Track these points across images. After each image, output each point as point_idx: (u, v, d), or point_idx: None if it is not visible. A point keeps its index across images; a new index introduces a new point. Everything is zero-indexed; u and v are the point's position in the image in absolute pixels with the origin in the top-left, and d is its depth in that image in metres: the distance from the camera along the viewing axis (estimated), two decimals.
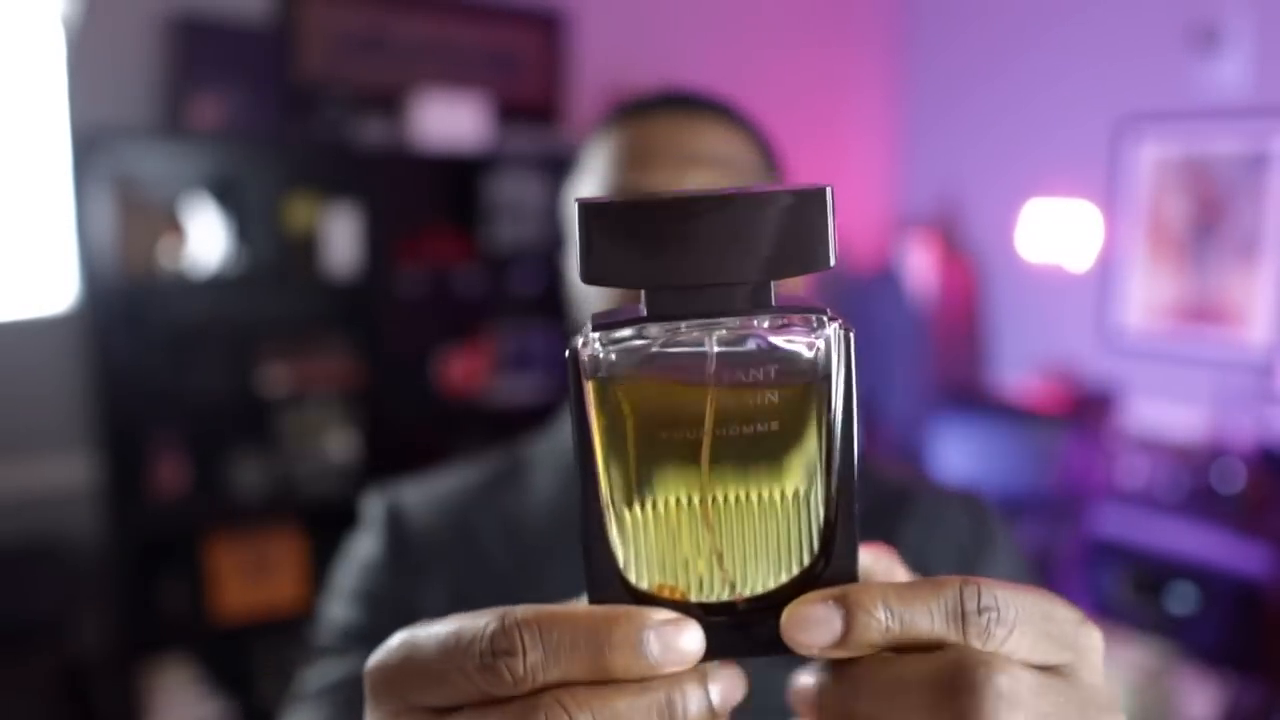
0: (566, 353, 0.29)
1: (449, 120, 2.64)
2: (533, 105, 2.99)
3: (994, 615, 0.28)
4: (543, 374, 2.88)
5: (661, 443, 0.29)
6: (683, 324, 0.29)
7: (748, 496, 0.30)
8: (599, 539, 0.30)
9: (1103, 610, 2.96)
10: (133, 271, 2.26)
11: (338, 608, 0.71)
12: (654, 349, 0.29)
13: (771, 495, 0.30)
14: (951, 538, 0.69)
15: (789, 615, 0.28)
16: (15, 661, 2.13)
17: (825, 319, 0.29)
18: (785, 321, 0.29)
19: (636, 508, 0.30)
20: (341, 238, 2.49)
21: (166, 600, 2.38)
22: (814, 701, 0.30)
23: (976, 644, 0.28)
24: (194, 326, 2.46)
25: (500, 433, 2.81)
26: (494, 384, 2.83)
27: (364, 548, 0.73)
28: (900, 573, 0.34)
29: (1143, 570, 2.90)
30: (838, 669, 0.29)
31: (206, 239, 2.37)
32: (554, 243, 2.81)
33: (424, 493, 0.75)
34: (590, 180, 0.70)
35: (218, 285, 2.43)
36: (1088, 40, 3.36)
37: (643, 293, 0.29)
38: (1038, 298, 3.57)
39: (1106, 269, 3.37)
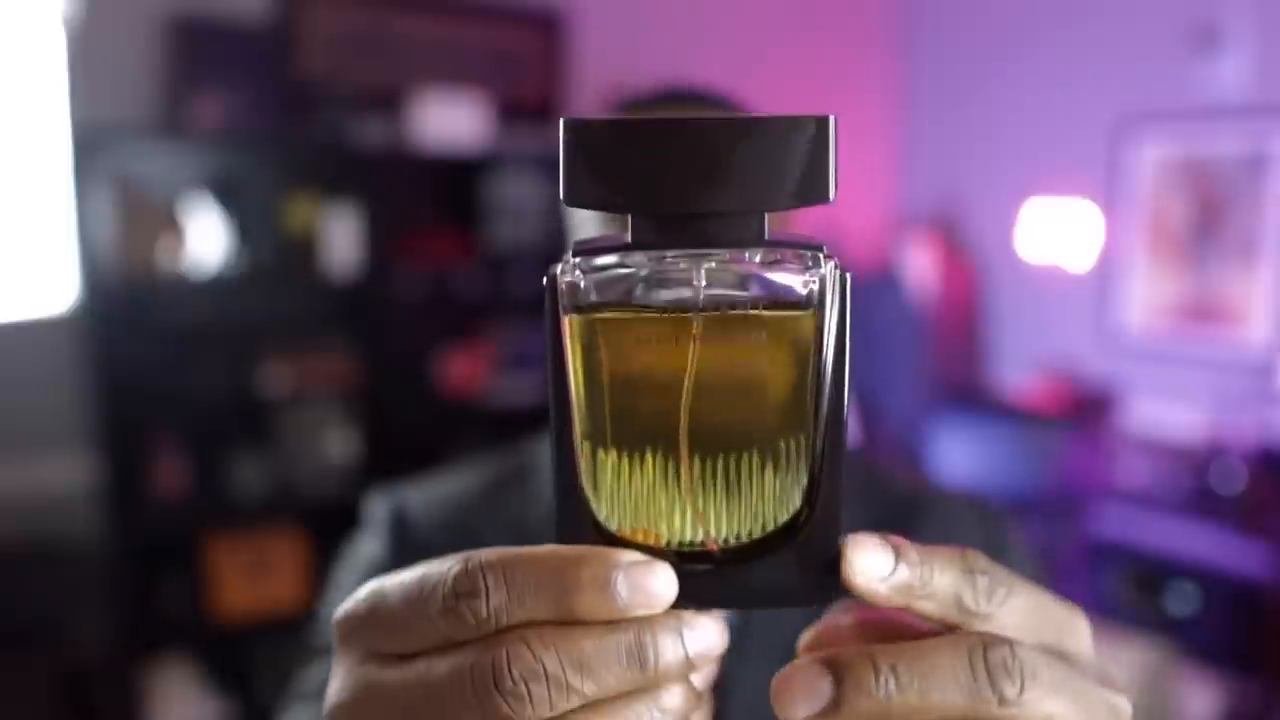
0: (544, 280, 0.27)
1: (449, 120, 2.64)
2: (533, 105, 2.99)
3: (1020, 677, 0.27)
4: (542, 374, 2.88)
5: (641, 380, 0.27)
6: (669, 254, 0.27)
7: (730, 442, 0.28)
8: (570, 479, 0.28)
9: (1103, 610, 2.95)
10: (133, 271, 2.26)
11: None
12: (637, 280, 0.27)
13: (756, 442, 0.28)
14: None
15: (775, 683, 0.26)
16: (15, 662, 2.13)
17: (821, 256, 0.27)
18: (778, 257, 0.27)
19: (612, 449, 0.28)
20: (341, 238, 2.48)
21: (166, 600, 2.38)
22: None
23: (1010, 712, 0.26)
24: (194, 326, 2.45)
25: (500, 433, 2.81)
26: (494, 384, 2.83)
27: (367, 549, 0.73)
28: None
29: (1143, 570, 2.90)
30: None
31: (206, 239, 2.37)
32: (555, 243, 2.81)
33: (427, 495, 0.75)
34: None
35: (218, 285, 2.43)
36: (1088, 40, 3.36)
37: (628, 220, 0.27)
38: (1038, 298, 3.57)
39: (1106, 269, 3.37)
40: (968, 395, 3.54)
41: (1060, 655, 0.29)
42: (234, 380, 2.47)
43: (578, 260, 0.27)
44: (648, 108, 0.71)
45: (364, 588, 0.30)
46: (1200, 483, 2.89)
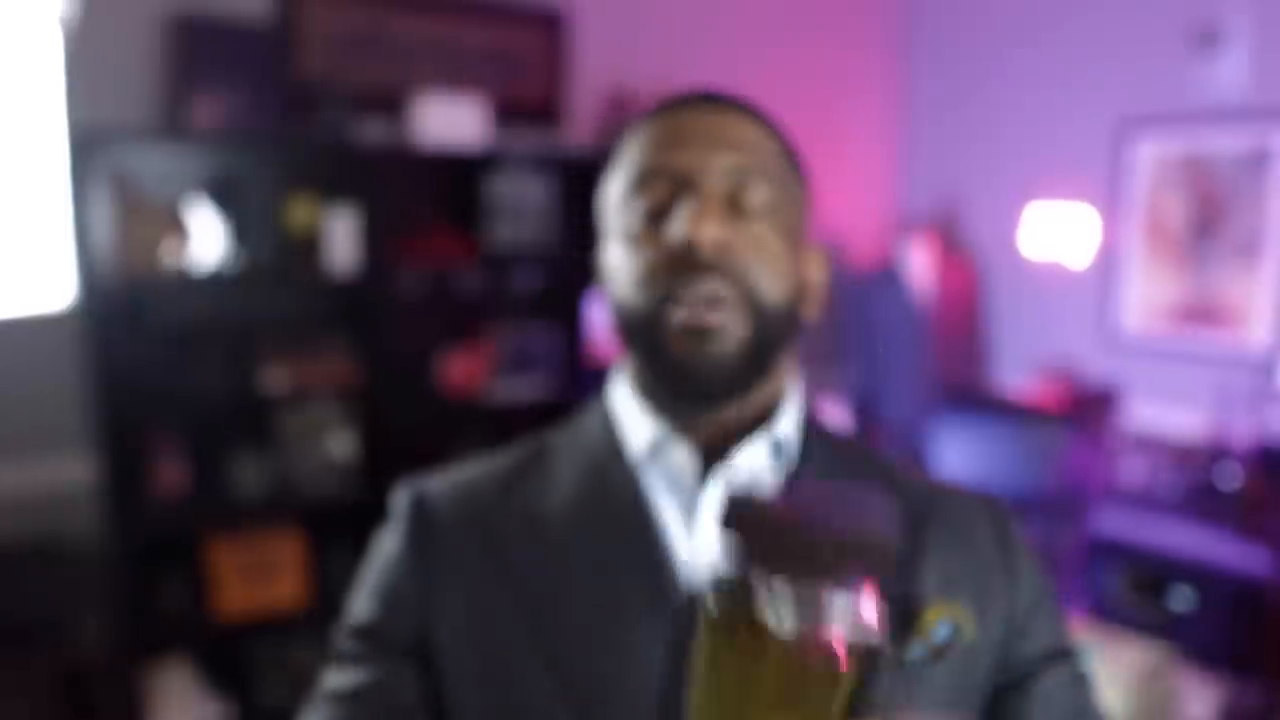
0: (710, 599, 0.44)
1: (449, 120, 2.64)
2: (533, 105, 2.99)
3: None
4: (542, 374, 2.88)
5: (741, 681, 0.43)
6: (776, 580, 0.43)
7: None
8: None
9: (1103, 610, 2.96)
10: (133, 271, 2.26)
11: (361, 602, 0.73)
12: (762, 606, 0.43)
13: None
14: (976, 548, 0.72)
15: None
16: (15, 662, 2.14)
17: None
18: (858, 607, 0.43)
19: None
20: (341, 238, 2.48)
21: (166, 600, 2.38)
22: None
23: None
24: (194, 326, 2.45)
25: (500, 433, 2.81)
26: (494, 384, 2.83)
27: (387, 544, 0.75)
28: None
29: (1143, 570, 2.90)
30: None
31: (206, 239, 2.37)
32: (557, 244, 2.81)
33: (447, 484, 0.77)
34: (627, 163, 0.73)
35: (218, 285, 2.43)
36: (1088, 41, 3.36)
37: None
38: (1038, 298, 3.57)
39: (1107, 269, 3.37)
40: (968, 395, 3.54)
41: None
42: (234, 380, 2.47)
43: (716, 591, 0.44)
44: (679, 104, 0.74)
45: None
46: (1200, 482, 2.89)
